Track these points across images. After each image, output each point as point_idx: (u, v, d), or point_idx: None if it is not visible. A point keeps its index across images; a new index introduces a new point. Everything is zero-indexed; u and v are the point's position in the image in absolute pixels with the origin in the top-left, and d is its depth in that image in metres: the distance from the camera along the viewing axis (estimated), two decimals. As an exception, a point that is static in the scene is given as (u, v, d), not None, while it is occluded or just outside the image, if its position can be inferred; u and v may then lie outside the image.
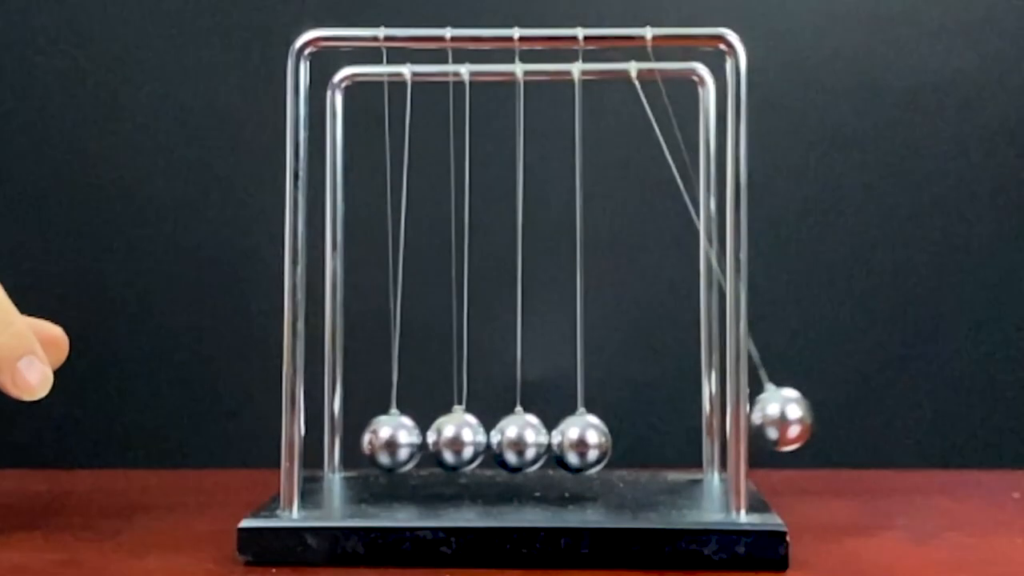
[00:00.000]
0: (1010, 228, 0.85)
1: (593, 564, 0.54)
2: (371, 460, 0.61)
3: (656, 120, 0.60)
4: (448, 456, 0.60)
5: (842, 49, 0.85)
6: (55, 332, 0.64)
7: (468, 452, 0.60)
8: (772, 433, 0.57)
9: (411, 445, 0.61)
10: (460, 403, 0.61)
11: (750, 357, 0.55)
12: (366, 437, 0.61)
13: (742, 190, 0.56)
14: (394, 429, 0.60)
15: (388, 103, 0.62)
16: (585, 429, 0.59)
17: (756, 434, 0.57)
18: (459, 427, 0.60)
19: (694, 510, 0.58)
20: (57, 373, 0.86)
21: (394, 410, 0.61)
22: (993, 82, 0.85)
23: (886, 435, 0.84)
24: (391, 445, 0.60)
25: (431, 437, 0.60)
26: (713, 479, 0.66)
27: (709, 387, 0.66)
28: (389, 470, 0.61)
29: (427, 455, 0.61)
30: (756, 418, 0.57)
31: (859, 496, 0.71)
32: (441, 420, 0.60)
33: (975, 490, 0.73)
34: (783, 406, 0.57)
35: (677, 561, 0.54)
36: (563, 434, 0.60)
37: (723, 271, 0.56)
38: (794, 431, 0.57)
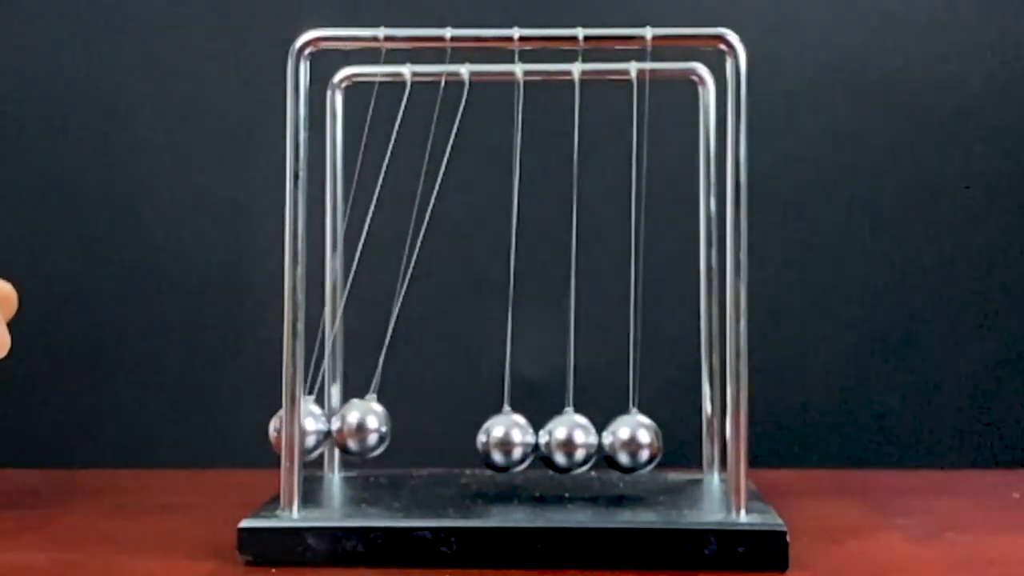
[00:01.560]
0: (1011, 228, 0.85)
1: (593, 564, 0.54)
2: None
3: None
4: (352, 444, 0.60)
5: (842, 49, 0.85)
6: (4, 288, 0.64)
7: (373, 439, 0.60)
8: (624, 458, 0.59)
9: (318, 432, 0.60)
10: (372, 392, 0.60)
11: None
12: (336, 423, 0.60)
13: (742, 190, 0.56)
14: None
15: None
16: (572, 429, 0.59)
17: (607, 457, 0.59)
18: (364, 414, 0.60)
19: (694, 510, 0.58)
20: (58, 373, 0.86)
21: (308, 397, 0.61)
22: (994, 81, 0.85)
23: (886, 435, 0.85)
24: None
25: (335, 424, 0.60)
26: (713, 479, 0.66)
27: (709, 387, 0.66)
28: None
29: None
30: (606, 440, 0.59)
31: (859, 496, 0.71)
32: (349, 405, 0.60)
33: (975, 490, 0.73)
34: (634, 430, 0.59)
35: (677, 561, 0.54)
36: (550, 434, 0.59)
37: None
38: (644, 455, 0.59)
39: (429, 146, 0.61)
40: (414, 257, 0.60)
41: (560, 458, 0.59)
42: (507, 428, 0.59)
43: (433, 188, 0.61)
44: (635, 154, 0.61)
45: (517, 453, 0.59)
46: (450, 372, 0.82)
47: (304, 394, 0.59)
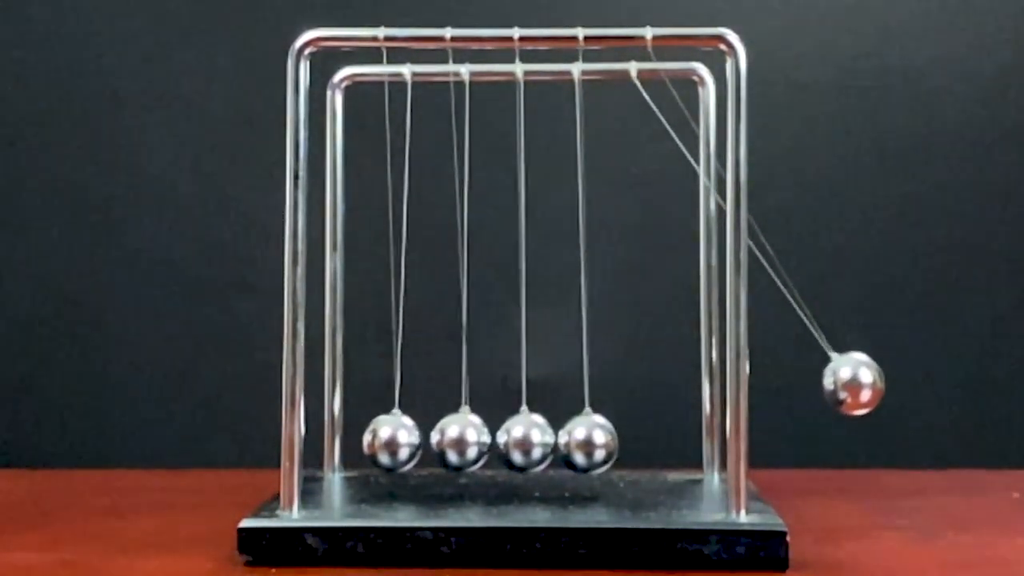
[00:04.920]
0: (1011, 228, 0.85)
1: (593, 564, 0.54)
2: (372, 460, 0.61)
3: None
4: (452, 456, 0.60)
5: (842, 48, 0.85)
6: None
7: (472, 452, 0.60)
8: (843, 395, 0.57)
9: (411, 445, 0.60)
10: (465, 403, 0.61)
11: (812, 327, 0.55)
12: (366, 437, 0.60)
13: (742, 190, 0.56)
14: (394, 429, 0.60)
15: (388, 103, 0.62)
16: (592, 429, 0.59)
17: (829, 399, 0.57)
18: (463, 427, 0.60)
19: (694, 510, 0.58)
20: (58, 373, 0.86)
21: (396, 410, 0.61)
22: (994, 82, 0.85)
23: (887, 435, 0.84)
24: (391, 445, 0.60)
25: (434, 437, 0.60)
26: (713, 479, 0.66)
27: (709, 387, 0.66)
28: (389, 470, 0.60)
29: (428, 455, 0.61)
30: (828, 383, 0.57)
31: (859, 496, 0.71)
32: (445, 420, 0.60)
33: (975, 490, 0.73)
34: (855, 369, 0.57)
35: (677, 561, 0.54)
36: (570, 434, 0.59)
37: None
38: (866, 395, 0.57)
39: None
40: (464, 261, 0.60)
41: (580, 458, 0.59)
42: (526, 429, 0.59)
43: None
44: (683, 151, 0.60)
45: (536, 453, 0.59)
46: (452, 373, 0.82)
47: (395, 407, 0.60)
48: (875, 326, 0.85)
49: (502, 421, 0.60)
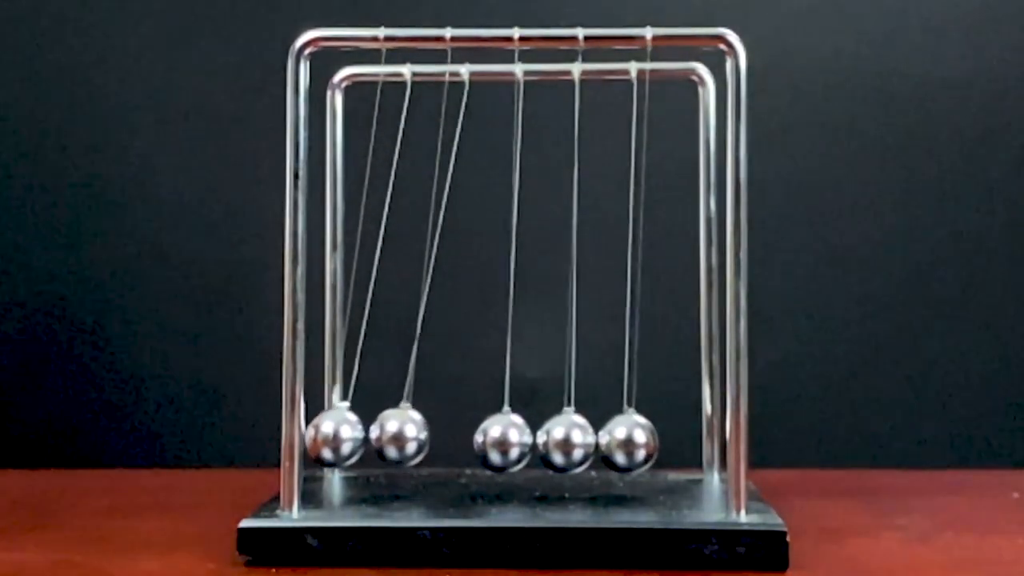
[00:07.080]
0: (1010, 228, 0.85)
1: (593, 564, 0.54)
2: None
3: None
4: (392, 452, 0.59)
5: (842, 49, 0.85)
6: None
7: (412, 447, 0.59)
8: (618, 456, 0.58)
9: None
10: (407, 399, 0.60)
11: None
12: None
13: (742, 190, 0.56)
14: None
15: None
16: (570, 428, 0.59)
17: (603, 455, 0.59)
18: (403, 423, 0.59)
19: (694, 510, 0.58)
20: (58, 373, 0.86)
21: (341, 403, 0.60)
22: (994, 81, 0.85)
23: (886, 435, 0.84)
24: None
25: (374, 433, 0.59)
26: (713, 479, 0.66)
27: (709, 387, 0.66)
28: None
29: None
30: (603, 440, 0.58)
31: (859, 496, 0.71)
32: (386, 414, 0.59)
33: (975, 490, 0.73)
34: (630, 430, 0.58)
35: (677, 561, 0.54)
36: (548, 433, 0.59)
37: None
38: (640, 454, 0.58)
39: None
40: (432, 260, 0.60)
41: (558, 458, 0.59)
42: (504, 428, 0.59)
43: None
44: (635, 154, 0.61)
45: (514, 453, 0.59)
46: (450, 372, 0.82)
47: (340, 400, 0.59)
48: (874, 326, 0.85)
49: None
